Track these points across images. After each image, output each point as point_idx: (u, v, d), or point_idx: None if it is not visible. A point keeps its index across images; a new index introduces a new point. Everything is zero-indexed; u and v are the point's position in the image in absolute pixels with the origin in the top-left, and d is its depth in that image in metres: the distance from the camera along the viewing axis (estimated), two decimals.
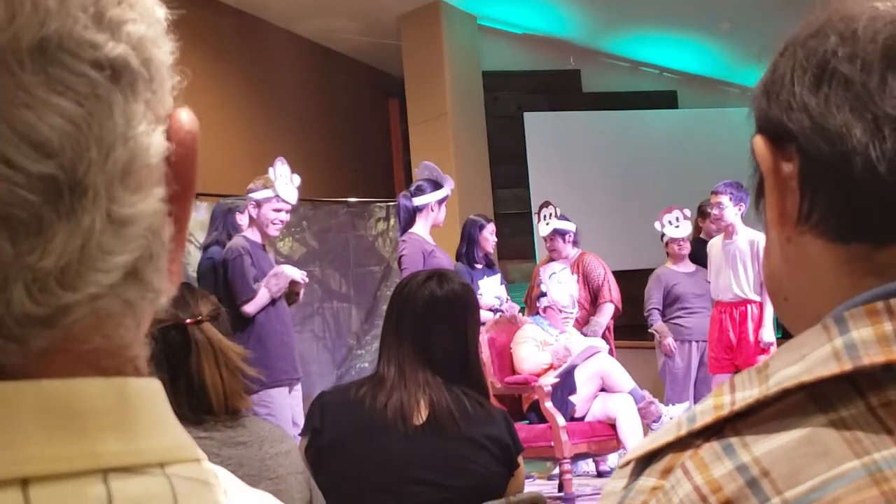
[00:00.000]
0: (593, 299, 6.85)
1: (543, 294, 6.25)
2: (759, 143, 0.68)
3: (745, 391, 0.60)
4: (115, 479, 0.45)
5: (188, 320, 1.88)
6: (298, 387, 5.09)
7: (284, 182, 5.05)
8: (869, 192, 0.61)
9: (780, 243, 0.68)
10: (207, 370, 1.86)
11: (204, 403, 1.88)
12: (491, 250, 6.38)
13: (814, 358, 0.59)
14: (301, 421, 4.98)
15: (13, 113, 0.40)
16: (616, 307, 6.84)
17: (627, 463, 0.64)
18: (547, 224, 6.80)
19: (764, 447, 0.58)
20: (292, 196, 5.09)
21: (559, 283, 6.26)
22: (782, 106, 0.66)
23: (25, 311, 0.42)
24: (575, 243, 6.94)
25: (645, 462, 0.62)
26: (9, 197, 0.41)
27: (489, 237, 6.31)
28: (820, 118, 0.63)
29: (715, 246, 6.36)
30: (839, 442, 0.56)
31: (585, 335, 6.49)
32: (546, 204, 6.90)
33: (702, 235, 7.15)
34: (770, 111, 0.67)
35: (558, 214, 6.80)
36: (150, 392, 0.48)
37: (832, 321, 0.60)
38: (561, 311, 6.14)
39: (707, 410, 0.61)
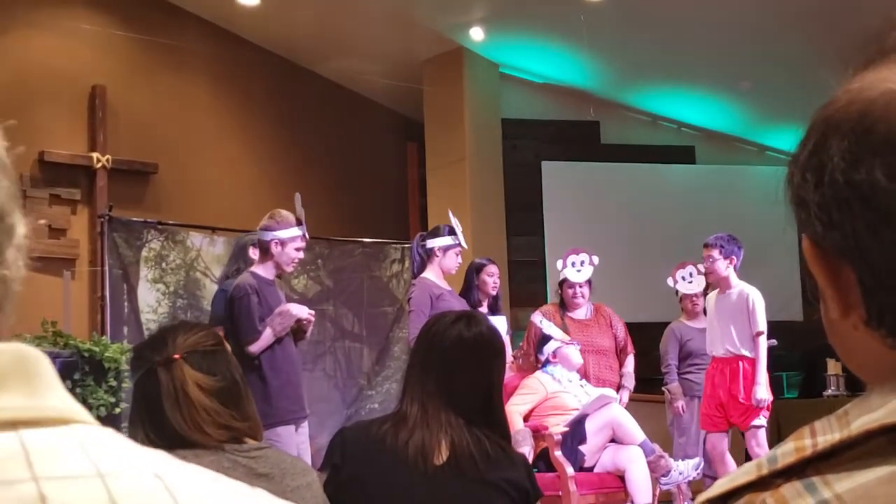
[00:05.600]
0: (618, 349, 6.77)
1: (547, 339, 6.21)
2: (810, 249, 0.67)
3: (826, 435, 0.62)
4: (26, 432, 0.48)
5: (158, 361, 1.98)
6: (305, 424, 5.03)
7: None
8: None
9: (847, 330, 0.67)
10: (168, 409, 1.94)
11: (170, 439, 1.92)
12: (492, 292, 6.22)
13: (895, 404, 0.60)
14: (307, 459, 4.96)
15: None
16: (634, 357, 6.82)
17: (704, 503, 0.64)
18: (578, 272, 6.69)
19: (846, 485, 0.59)
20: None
21: (550, 323, 6.28)
22: (833, 238, 0.64)
23: None
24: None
25: (721, 502, 0.63)
26: None
27: (488, 279, 6.21)
28: (883, 261, 0.62)
29: (710, 300, 6.38)
30: None
31: (625, 386, 6.55)
32: (576, 251, 6.80)
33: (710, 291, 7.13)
34: (815, 229, 0.66)
35: (592, 261, 6.69)
36: (42, 357, 0.52)
37: None
38: (568, 343, 6.15)
39: (788, 452, 0.62)
